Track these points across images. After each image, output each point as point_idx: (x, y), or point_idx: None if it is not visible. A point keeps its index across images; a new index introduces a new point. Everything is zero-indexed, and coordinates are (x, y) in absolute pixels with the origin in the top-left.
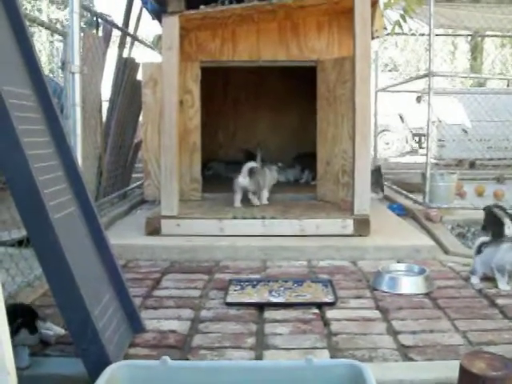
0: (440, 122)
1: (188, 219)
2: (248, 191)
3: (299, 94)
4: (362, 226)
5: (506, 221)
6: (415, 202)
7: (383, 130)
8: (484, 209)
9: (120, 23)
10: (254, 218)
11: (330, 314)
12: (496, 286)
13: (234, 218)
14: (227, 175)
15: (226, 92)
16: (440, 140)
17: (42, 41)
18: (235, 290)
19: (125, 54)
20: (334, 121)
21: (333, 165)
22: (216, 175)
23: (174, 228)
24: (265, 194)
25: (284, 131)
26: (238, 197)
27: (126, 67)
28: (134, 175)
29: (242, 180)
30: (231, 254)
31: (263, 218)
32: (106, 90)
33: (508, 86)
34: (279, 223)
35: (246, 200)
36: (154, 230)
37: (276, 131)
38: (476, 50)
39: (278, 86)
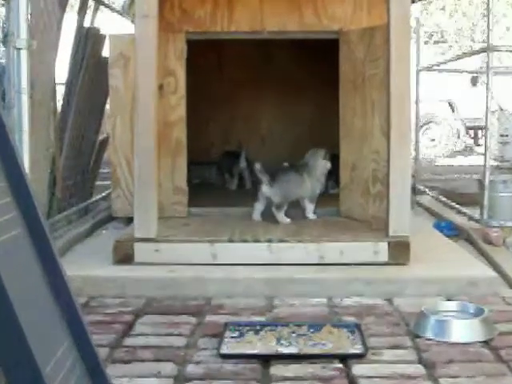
0: (502, 110)
1: (170, 243)
2: (272, 203)
3: (316, 75)
4: (400, 251)
5: None
6: (470, 218)
7: (427, 123)
8: None
9: None
10: (257, 241)
11: (358, 369)
12: None
13: (231, 240)
14: (221, 183)
15: (220, 73)
16: (502, 135)
17: None
18: (232, 338)
19: (86, 23)
20: (362, 111)
21: (361, 169)
22: (207, 183)
23: (152, 254)
24: (309, 206)
25: (296, 124)
26: (258, 207)
27: (88, 40)
28: (98, 183)
29: (266, 188)
30: (227, 289)
31: (269, 240)
32: (61, 70)
33: None
34: (290, 248)
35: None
36: (124, 256)
37: (285, 124)
38: None
39: (287, 65)
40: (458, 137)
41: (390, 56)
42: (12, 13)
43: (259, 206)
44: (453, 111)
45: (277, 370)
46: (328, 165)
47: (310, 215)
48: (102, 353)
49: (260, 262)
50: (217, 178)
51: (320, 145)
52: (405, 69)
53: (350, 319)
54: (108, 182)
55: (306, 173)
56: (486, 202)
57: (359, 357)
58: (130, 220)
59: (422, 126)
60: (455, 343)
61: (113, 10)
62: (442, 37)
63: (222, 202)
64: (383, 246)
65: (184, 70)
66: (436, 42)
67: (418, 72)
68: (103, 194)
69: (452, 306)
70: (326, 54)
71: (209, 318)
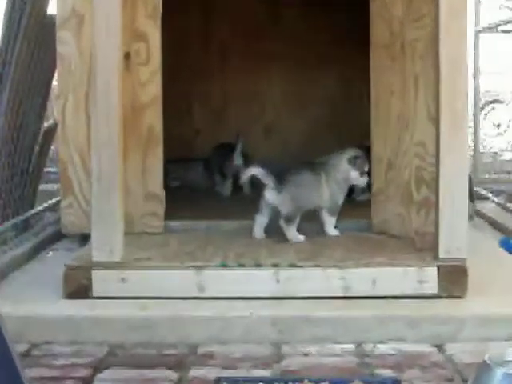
0: None
1: (141, 269)
2: (280, 214)
3: (338, 40)
4: (455, 279)
5: None
6: None
7: (491, 102)
8: None
9: None
10: (260, 267)
11: None
12: None
13: (224, 266)
14: (211, 186)
15: (207, 36)
16: None
17: None
18: None
19: None
20: (402, 88)
21: (400, 168)
22: (190, 187)
23: (116, 285)
24: (328, 220)
25: (311, 108)
26: (260, 219)
27: None
28: (42, 188)
29: (271, 194)
30: (219, 333)
31: (276, 266)
32: None
33: None
34: (304, 276)
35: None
36: (79, 288)
37: (297, 107)
38: None
39: (300, 27)
40: None
41: (440, 13)
42: None
43: (262, 219)
44: None
45: None
46: (353, 175)
47: (331, 231)
48: None
49: (264, 294)
50: (204, 180)
51: (344, 135)
52: (459, 30)
53: (387, 373)
54: (56, 186)
55: (325, 174)
56: None
57: None
58: (85, 238)
59: (483, 108)
60: None
61: None
62: None
63: (212, 212)
64: (431, 273)
65: (159, 32)
66: None
67: (477, 34)
68: (49, 203)
69: None
70: (352, 13)
71: (194, 371)
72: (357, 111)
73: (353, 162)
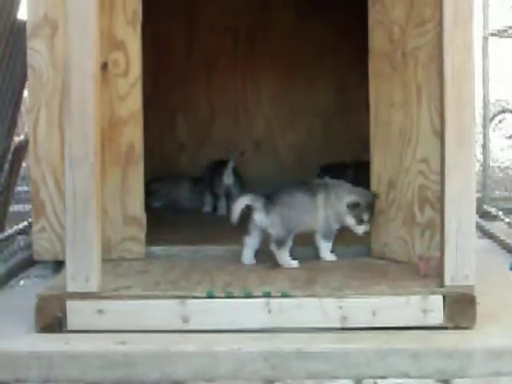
0: None
1: (120, 299)
2: (271, 237)
3: (335, 46)
4: (462, 308)
5: None
6: None
7: (501, 113)
8: None
9: None
10: (250, 297)
11: None
12: None
13: (211, 295)
14: (198, 207)
15: (192, 42)
16: None
17: None
18: None
19: None
20: (404, 99)
21: (402, 187)
22: (174, 206)
23: (93, 317)
24: (323, 245)
25: (306, 120)
26: (249, 243)
27: None
28: (13, 209)
29: (261, 216)
30: (205, 369)
31: (267, 295)
32: None
33: None
34: (298, 305)
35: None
36: (52, 321)
37: (290, 119)
38: None
39: (293, 30)
40: None
41: (444, 18)
42: None
43: (251, 243)
44: None
45: None
46: (349, 221)
47: (327, 256)
48: None
49: (254, 327)
50: (191, 200)
51: (341, 150)
52: (466, 36)
53: None
54: (28, 207)
55: (323, 196)
56: None
57: None
58: (59, 265)
59: (492, 118)
60: None
61: None
62: None
63: (198, 236)
64: (436, 302)
65: (139, 40)
66: None
67: (485, 39)
68: (20, 227)
69: None
70: (349, 17)
71: None
72: (354, 124)
73: (351, 208)
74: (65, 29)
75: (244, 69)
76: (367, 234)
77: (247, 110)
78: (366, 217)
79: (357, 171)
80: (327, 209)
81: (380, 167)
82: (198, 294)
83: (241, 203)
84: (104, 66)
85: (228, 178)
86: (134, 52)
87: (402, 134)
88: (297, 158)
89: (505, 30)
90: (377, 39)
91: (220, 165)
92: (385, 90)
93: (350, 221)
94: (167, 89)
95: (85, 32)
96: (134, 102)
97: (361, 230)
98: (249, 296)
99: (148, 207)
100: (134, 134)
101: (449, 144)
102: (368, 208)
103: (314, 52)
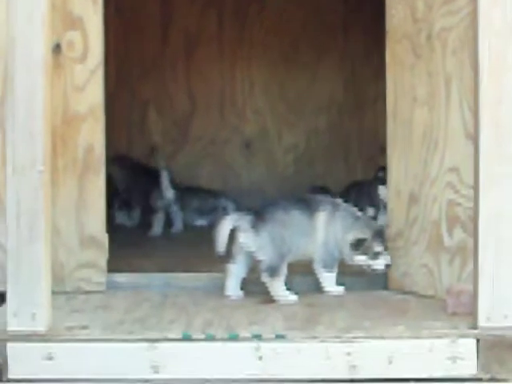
0: None
1: (74, 342)
2: (261, 264)
3: (345, 24)
4: (499, 355)
5: None
6: None
7: None
8: None
9: None
10: (236, 340)
11: None
12: None
13: (187, 337)
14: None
15: (167, 20)
16: None
17: None
18: None
19: None
20: (429, 93)
21: (426, 202)
22: (144, 226)
23: (41, 364)
24: (325, 276)
25: (306, 116)
26: (234, 272)
27: None
28: None
29: (247, 237)
30: None
31: (258, 337)
32: None
33: None
34: (295, 351)
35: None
36: None
37: (287, 116)
38: None
39: (290, 7)
40: None
41: None
42: None
43: (237, 271)
44: None
45: None
46: (359, 259)
47: (332, 288)
48: None
49: (241, 377)
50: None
51: (350, 154)
52: (506, 16)
53: None
54: None
55: (325, 216)
56: None
57: None
58: (1, 298)
59: None
60: None
61: None
62: None
63: (170, 261)
64: (468, 347)
65: (100, 17)
66: None
67: None
68: None
69: None
70: None
71: None
72: (367, 124)
73: (355, 247)
74: (7, 2)
75: (231, 53)
76: (389, 267)
77: (235, 104)
78: (379, 247)
79: (369, 183)
80: (329, 231)
81: (399, 176)
82: (171, 336)
83: (226, 226)
84: (56, 49)
85: (168, 192)
86: (95, 31)
87: (426, 136)
88: (296, 163)
89: None
90: (396, 17)
91: (152, 172)
92: (406, 82)
93: (362, 259)
94: (137, 77)
95: (32, 5)
96: (93, 94)
97: (379, 265)
98: (234, 339)
99: (111, 226)
100: (93, 134)
101: (484, 150)
102: (378, 237)
103: (319, 32)
